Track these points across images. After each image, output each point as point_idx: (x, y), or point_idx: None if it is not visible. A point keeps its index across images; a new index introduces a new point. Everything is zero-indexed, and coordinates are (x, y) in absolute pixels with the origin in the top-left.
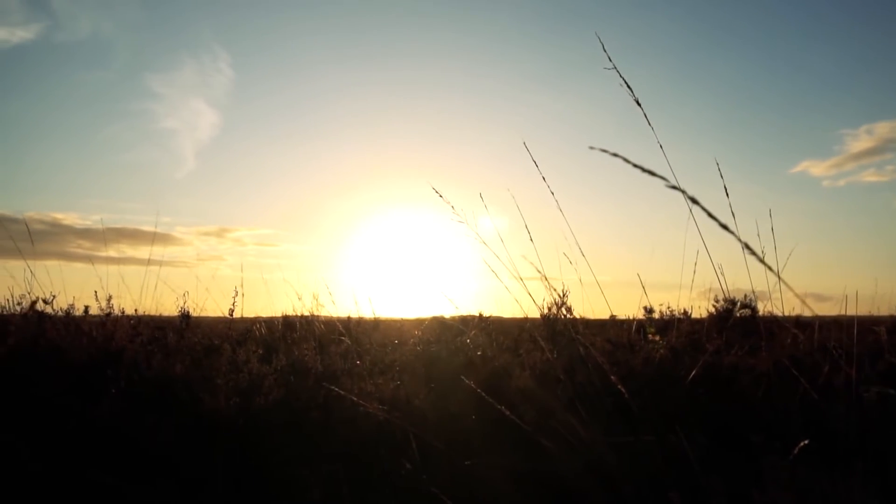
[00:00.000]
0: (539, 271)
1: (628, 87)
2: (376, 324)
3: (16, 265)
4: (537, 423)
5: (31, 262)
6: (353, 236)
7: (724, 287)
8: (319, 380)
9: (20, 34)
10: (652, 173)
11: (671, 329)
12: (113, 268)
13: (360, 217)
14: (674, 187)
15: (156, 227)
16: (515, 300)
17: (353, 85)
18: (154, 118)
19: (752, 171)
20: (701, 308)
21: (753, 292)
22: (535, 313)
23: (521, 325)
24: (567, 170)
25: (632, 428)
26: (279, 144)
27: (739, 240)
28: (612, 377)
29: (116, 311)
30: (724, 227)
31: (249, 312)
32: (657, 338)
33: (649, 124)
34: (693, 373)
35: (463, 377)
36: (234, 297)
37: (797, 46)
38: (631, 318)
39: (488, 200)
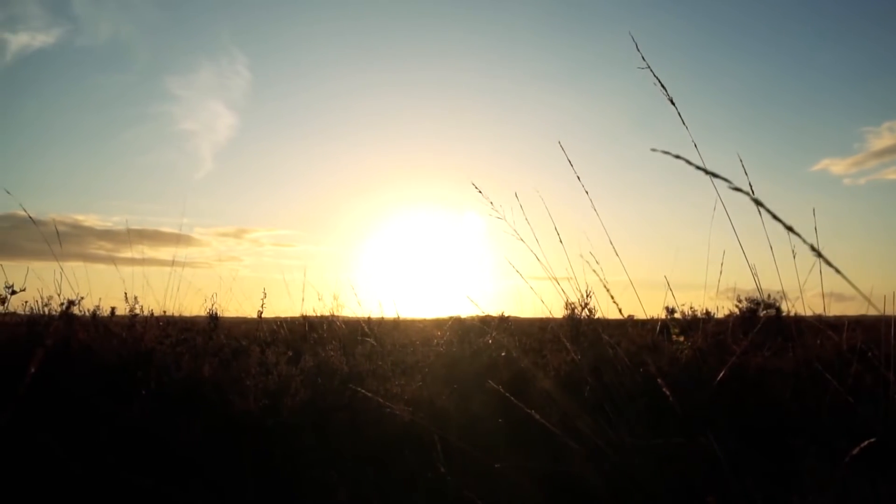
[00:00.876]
0: (569, 271)
1: (662, 86)
2: (396, 324)
3: (38, 266)
4: (564, 425)
5: (55, 264)
6: (369, 237)
7: (759, 287)
8: (345, 381)
9: (42, 38)
10: (715, 175)
11: (696, 330)
12: (136, 269)
13: (376, 217)
14: (737, 189)
15: (180, 228)
16: (542, 301)
17: (370, 86)
18: (173, 120)
19: (772, 169)
20: (723, 308)
21: (781, 292)
22: (556, 314)
23: (541, 325)
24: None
25: (661, 430)
26: (296, 145)
27: (805, 241)
28: (659, 380)
29: (142, 312)
30: (790, 228)
31: (269, 313)
32: (681, 338)
33: (683, 123)
34: (721, 374)
35: (487, 378)
36: (262, 299)
37: (817, 44)
38: (650, 318)
39: (504, 199)
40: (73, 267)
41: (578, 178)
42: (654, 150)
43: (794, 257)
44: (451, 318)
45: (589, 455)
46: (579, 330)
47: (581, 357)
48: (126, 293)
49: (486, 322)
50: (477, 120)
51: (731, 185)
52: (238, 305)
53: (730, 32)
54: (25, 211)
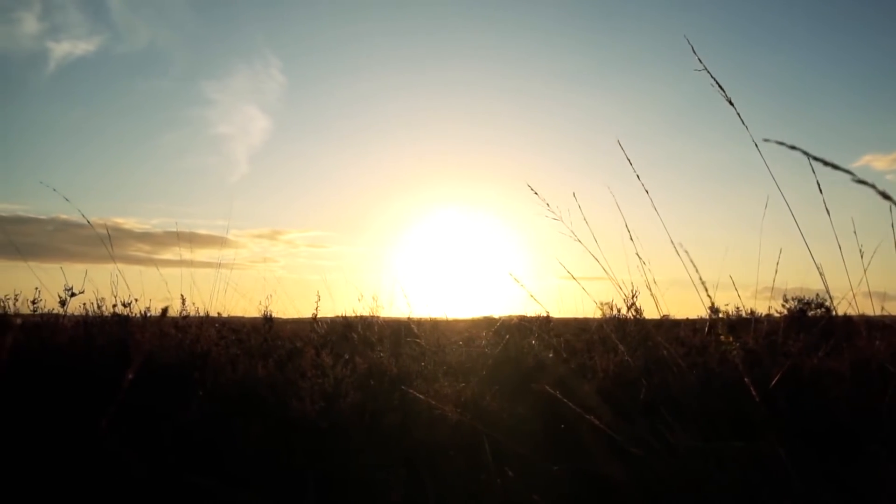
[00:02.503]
0: (609, 271)
1: (720, 87)
2: (434, 324)
3: (76, 269)
4: (616, 427)
5: (93, 266)
6: (401, 238)
7: (827, 287)
8: (394, 382)
9: (83, 46)
10: (835, 167)
11: (746, 330)
12: (179, 271)
13: (407, 218)
14: (861, 181)
15: (227, 232)
16: (596, 302)
17: (401, 87)
18: (208, 124)
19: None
20: (764, 308)
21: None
22: (597, 314)
23: (579, 325)
24: (611, 167)
25: (716, 433)
26: (329, 147)
27: None
28: (747, 379)
29: (194, 314)
30: None
31: (308, 313)
32: (729, 339)
33: (743, 123)
34: (777, 376)
35: (534, 379)
36: (316, 302)
37: (856, 38)
38: (686, 318)
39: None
40: (115, 269)
41: (638, 176)
42: (766, 140)
43: (862, 256)
44: (484, 317)
45: (644, 458)
46: (626, 330)
47: (632, 358)
48: (181, 295)
49: (526, 322)
50: (510, 120)
51: (855, 178)
52: (282, 306)
53: (768, 26)
54: (83, 216)
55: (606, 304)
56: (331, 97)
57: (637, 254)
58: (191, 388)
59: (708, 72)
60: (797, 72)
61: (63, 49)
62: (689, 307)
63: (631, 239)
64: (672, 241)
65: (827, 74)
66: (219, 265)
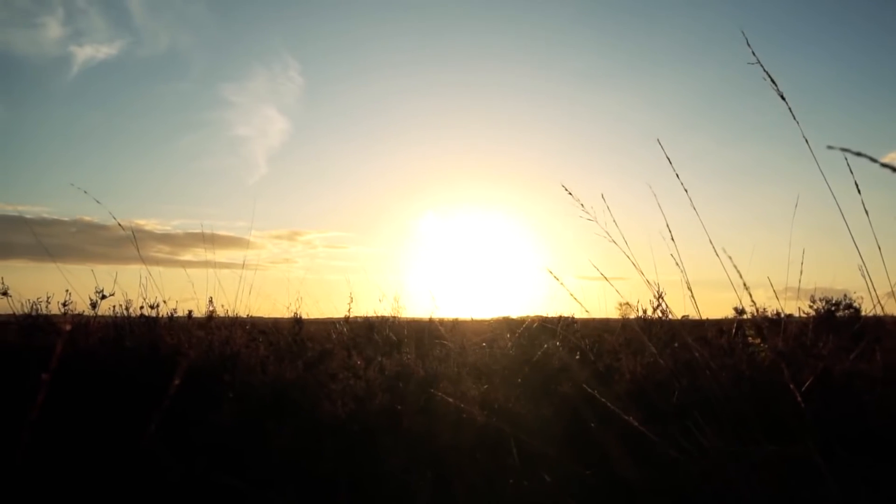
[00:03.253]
0: (629, 271)
1: (772, 80)
2: (454, 325)
3: (98, 269)
4: (648, 430)
5: (115, 267)
6: (419, 238)
7: (872, 287)
8: (421, 384)
9: (105, 50)
10: None
11: (771, 331)
12: (206, 272)
13: (425, 219)
14: None
15: (250, 233)
16: (625, 302)
17: (419, 88)
18: (228, 126)
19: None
20: (788, 308)
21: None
22: (617, 314)
23: (601, 325)
24: (627, 167)
25: (747, 436)
26: (347, 148)
27: None
28: (792, 384)
29: (218, 314)
30: None
31: (331, 313)
32: (757, 340)
33: (794, 118)
34: (809, 378)
35: (561, 381)
36: (349, 304)
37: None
38: (706, 318)
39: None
40: (134, 270)
41: (677, 175)
42: (830, 147)
43: None
44: (503, 318)
45: (676, 460)
46: (652, 332)
47: (660, 360)
48: (210, 298)
49: (547, 323)
50: (527, 121)
51: None
52: (304, 307)
53: (796, 20)
54: (115, 218)
55: (626, 304)
56: (349, 98)
57: (672, 255)
58: (221, 389)
59: (761, 65)
60: (825, 66)
61: (86, 53)
62: (708, 307)
63: (672, 239)
64: (711, 243)
65: (853, 70)
66: (243, 266)
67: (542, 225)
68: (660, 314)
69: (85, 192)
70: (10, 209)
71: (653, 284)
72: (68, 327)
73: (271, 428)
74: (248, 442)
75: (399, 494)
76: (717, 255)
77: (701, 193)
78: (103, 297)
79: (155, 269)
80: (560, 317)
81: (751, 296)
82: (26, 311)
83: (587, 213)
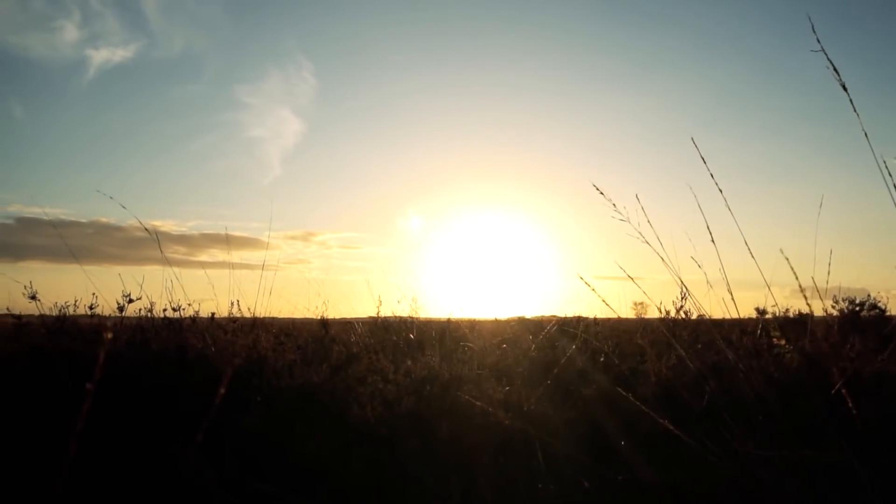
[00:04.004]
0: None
1: (835, 69)
2: (472, 325)
3: (115, 271)
4: (677, 433)
5: (133, 268)
6: (433, 238)
7: None
8: (446, 387)
9: (121, 53)
10: None
11: (794, 332)
12: (227, 272)
13: (438, 219)
14: None
15: (269, 234)
16: (644, 303)
17: (431, 89)
18: (242, 127)
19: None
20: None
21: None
22: (631, 314)
23: (615, 325)
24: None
25: (778, 440)
26: (360, 149)
27: None
28: (822, 387)
29: (241, 315)
30: None
31: (348, 313)
32: (782, 341)
33: (854, 110)
34: (839, 381)
35: (586, 382)
36: (378, 306)
37: None
38: (722, 318)
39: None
40: (151, 270)
41: (712, 175)
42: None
43: None
44: (518, 318)
45: (706, 463)
46: (675, 333)
47: (688, 362)
48: (237, 300)
49: (566, 324)
50: (539, 121)
51: None
52: (324, 308)
53: (827, 15)
54: (140, 222)
55: (641, 303)
56: (362, 99)
57: (693, 258)
58: (249, 393)
59: (825, 53)
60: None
61: (102, 56)
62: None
63: (712, 241)
64: (747, 244)
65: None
66: (263, 267)
67: (555, 225)
68: (683, 314)
69: (111, 197)
70: (27, 211)
71: (678, 284)
72: (109, 335)
73: (301, 432)
74: (278, 446)
75: (429, 499)
76: (752, 255)
77: (711, 193)
78: (130, 300)
79: (171, 271)
80: (578, 317)
81: (773, 296)
82: (54, 313)
83: (619, 213)
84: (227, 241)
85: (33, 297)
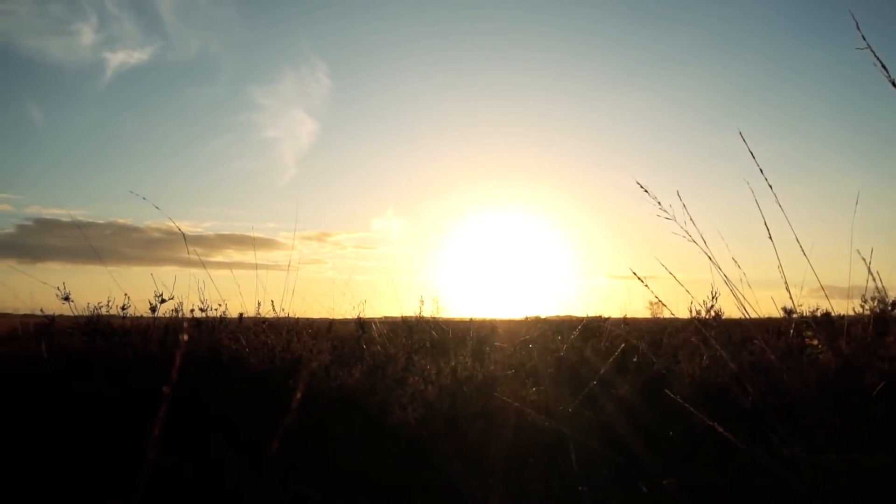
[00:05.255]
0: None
1: (883, 66)
2: (494, 325)
3: (134, 272)
4: (715, 434)
5: (151, 268)
6: (447, 239)
7: None
8: (479, 388)
9: (137, 56)
10: None
11: (829, 331)
12: (242, 273)
13: (454, 219)
14: None
15: (294, 236)
16: (689, 305)
17: (446, 89)
18: (257, 128)
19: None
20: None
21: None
22: (647, 313)
23: (631, 325)
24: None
25: (822, 441)
26: (375, 149)
27: None
28: (861, 388)
29: (269, 316)
30: None
31: (370, 313)
32: (814, 341)
33: None
34: (880, 382)
35: (617, 383)
36: (420, 305)
37: None
38: (741, 317)
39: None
40: (167, 271)
41: (761, 170)
42: None
43: None
44: (535, 317)
45: (752, 466)
46: (707, 332)
47: (730, 363)
48: (272, 301)
49: (590, 323)
50: (553, 121)
51: None
52: (342, 309)
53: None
54: (173, 222)
55: (658, 303)
56: (376, 100)
57: (733, 259)
58: (285, 394)
59: (871, 50)
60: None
61: (118, 59)
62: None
63: (769, 237)
64: (799, 241)
65: None
66: (288, 266)
67: (569, 226)
68: (713, 314)
69: (143, 198)
70: (46, 212)
71: (724, 282)
72: (185, 337)
73: (339, 433)
74: (317, 448)
75: (467, 499)
76: (805, 255)
77: (728, 191)
78: (162, 300)
79: (199, 272)
80: (600, 317)
81: (791, 296)
82: (87, 314)
83: (664, 210)
84: (243, 241)
85: (66, 299)
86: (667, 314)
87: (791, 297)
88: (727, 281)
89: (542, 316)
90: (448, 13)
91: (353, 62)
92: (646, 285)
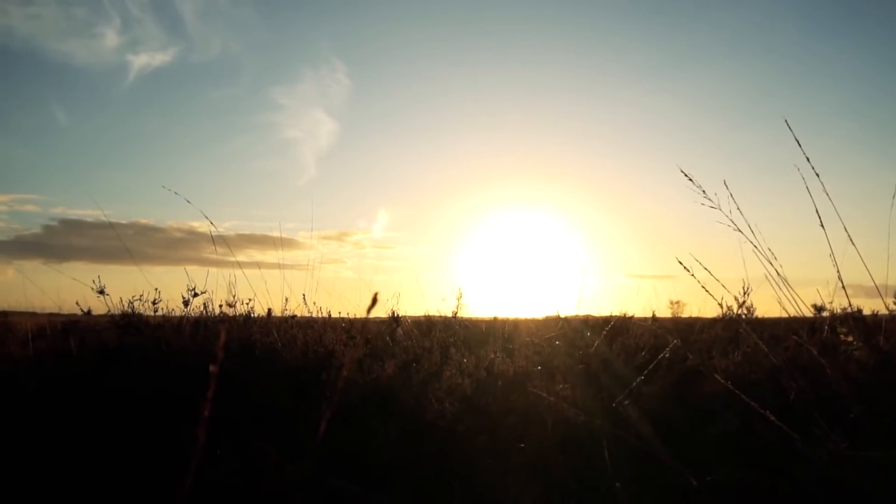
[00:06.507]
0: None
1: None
2: (517, 323)
3: (156, 271)
4: (749, 430)
5: (172, 268)
6: (466, 238)
7: None
8: (512, 383)
9: (160, 58)
10: None
11: (863, 329)
12: (267, 272)
13: (472, 218)
14: None
15: (311, 233)
16: (720, 300)
17: (465, 89)
18: (277, 129)
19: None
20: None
21: None
22: (668, 312)
23: (662, 324)
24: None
25: (865, 438)
26: (393, 149)
27: None
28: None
29: (298, 314)
30: None
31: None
32: (849, 338)
33: None
34: None
35: (649, 380)
36: (458, 300)
37: None
38: (761, 316)
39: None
40: (190, 270)
41: (808, 158)
42: None
43: None
44: (555, 316)
45: (787, 463)
46: (738, 330)
47: (772, 358)
48: (305, 295)
49: (615, 321)
50: (574, 120)
51: None
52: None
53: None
54: (208, 218)
55: (678, 302)
56: (395, 99)
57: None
58: (319, 388)
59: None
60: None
61: (141, 61)
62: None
63: (826, 236)
64: (848, 234)
65: None
66: (308, 266)
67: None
68: (746, 310)
69: (175, 193)
70: (71, 213)
71: (770, 278)
72: (223, 335)
73: (375, 427)
74: (353, 442)
75: (500, 494)
76: (853, 244)
77: (747, 189)
78: (195, 294)
79: (208, 271)
80: (624, 315)
81: (819, 295)
82: (120, 310)
83: (709, 199)
84: (271, 242)
85: (101, 292)
86: (687, 313)
87: (819, 294)
88: (768, 276)
89: (562, 315)
90: (467, 13)
91: (373, 62)
92: (692, 275)
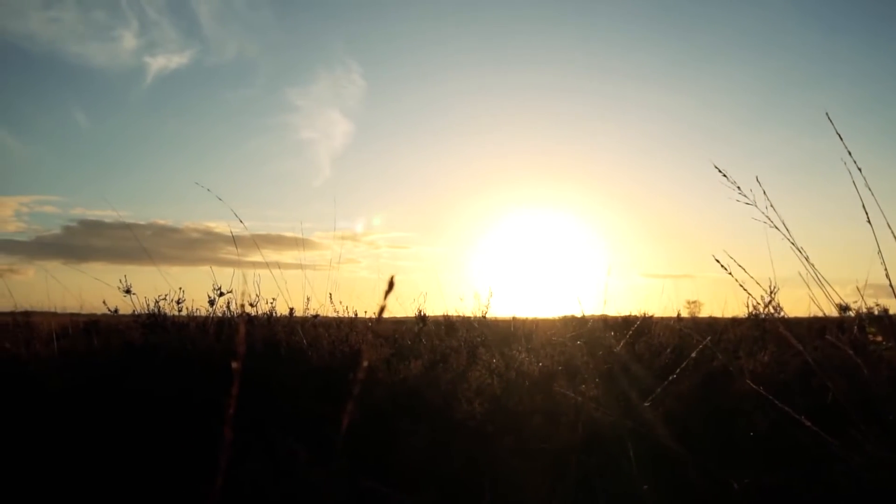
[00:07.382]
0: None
1: None
2: (535, 323)
3: (173, 271)
4: (780, 432)
5: (189, 269)
6: (481, 238)
7: None
8: (538, 382)
9: (176, 60)
10: None
11: (887, 329)
12: (282, 272)
13: (486, 218)
14: None
15: (334, 229)
16: (746, 301)
17: (479, 89)
18: (293, 130)
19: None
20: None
21: None
22: (685, 312)
23: (662, 323)
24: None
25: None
26: (407, 149)
27: None
28: None
29: (321, 314)
30: None
31: (412, 311)
32: (879, 338)
33: None
34: None
35: (676, 380)
36: (489, 297)
37: None
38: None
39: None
40: (206, 271)
41: (850, 152)
42: None
43: None
44: (571, 316)
45: (820, 465)
46: (765, 328)
47: (808, 357)
48: (331, 294)
49: (634, 321)
50: (589, 120)
51: None
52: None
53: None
54: (238, 217)
55: (695, 302)
56: (410, 100)
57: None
58: (346, 388)
59: None
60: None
61: (159, 63)
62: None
63: (868, 221)
64: (890, 228)
65: None
66: (329, 266)
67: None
68: (772, 309)
69: (208, 189)
70: (90, 214)
71: (808, 277)
72: (242, 331)
73: (403, 427)
74: (381, 442)
75: (529, 495)
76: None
77: (772, 186)
78: (221, 293)
79: (225, 271)
80: (644, 314)
81: (837, 294)
82: (146, 310)
83: (744, 196)
84: (287, 242)
85: (128, 291)
86: (705, 313)
87: (837, 294)
88: (802, 274)
89: (578, 315)
90: (482, 13)
91: (387, 62)
92: (730, 273)
